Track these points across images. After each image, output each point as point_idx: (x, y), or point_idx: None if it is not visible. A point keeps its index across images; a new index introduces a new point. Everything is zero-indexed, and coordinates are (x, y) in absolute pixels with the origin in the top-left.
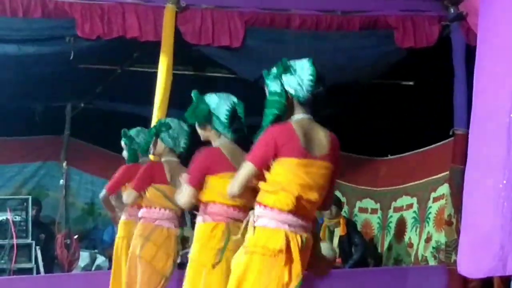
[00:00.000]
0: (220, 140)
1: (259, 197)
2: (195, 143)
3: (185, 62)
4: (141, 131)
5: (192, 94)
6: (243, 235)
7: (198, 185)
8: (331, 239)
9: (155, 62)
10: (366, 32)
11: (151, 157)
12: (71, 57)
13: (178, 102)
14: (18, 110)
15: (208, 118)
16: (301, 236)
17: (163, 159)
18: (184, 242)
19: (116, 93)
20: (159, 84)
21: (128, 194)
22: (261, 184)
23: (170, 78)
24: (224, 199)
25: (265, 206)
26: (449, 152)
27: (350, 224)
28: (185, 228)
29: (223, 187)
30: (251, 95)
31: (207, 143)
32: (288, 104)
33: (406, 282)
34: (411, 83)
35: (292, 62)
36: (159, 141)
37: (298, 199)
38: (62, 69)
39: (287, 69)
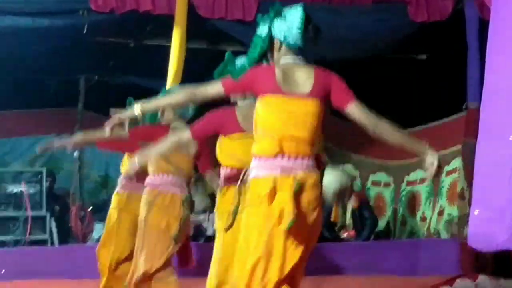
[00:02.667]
0: (238, 103)
1: (253, 148)
2: None
3: (198, 36)
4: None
5: (226, 54)
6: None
7: (201, 137)
8: (344, 213)
9: (168, 36)
10: (379, 6)
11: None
12: (85, 31)
13: (191, 76)
14: (32, 83)
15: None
16: (294, 177)
17: (172, 125)
18: (192, 207)
19: (129, 67)
20: (172, 57)
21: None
22: (254, 133)
23: (183, 51)
24: (235, 162)
25: (254, 156)
26: (462, 126)
27: (361, 197)
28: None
29: (233, 149)
30: None
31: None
32: (275, 49)
33: (419, 255)
34: (424, 57)
35: (285, 8)
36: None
37: (281, 140)
38: (76, 42)
39: (277, 14)
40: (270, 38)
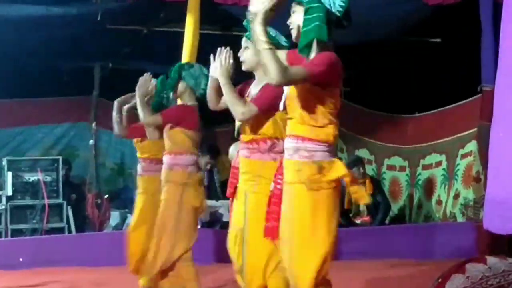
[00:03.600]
0: None
1: (307, 132)
2: None
3: (211, 22)
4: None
5: (245, 22)
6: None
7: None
8: None
9: (181, 22)
10: None
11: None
12: (99, 18)
13: (205, 61)
14: (47, 72)
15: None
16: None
17: (194, 104)
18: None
19: (144, 53)
20: (186, 43)
21: (153, 118)
22: (306, 118)
23: (197, 37)
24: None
25: (318, 141)
26: (477, 109)
27: (374, 182)
28: None
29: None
30: None
31: None
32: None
33: (435, 239)
34: (438, 40)
35: None
36: (181, 82)
37: (338, 128)
38: (90, 30)
39: None
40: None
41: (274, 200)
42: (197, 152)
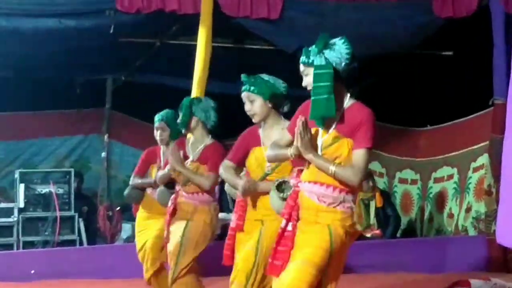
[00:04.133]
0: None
1: (349, 188)
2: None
3: (223, 35)
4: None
5: (243, 77)
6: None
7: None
8: (367, 213)
9: (194, 35)
10: (404, 2)
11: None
12: (111, 31)
13: (217, 74)
14: (60, 84)
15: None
16: None
17: (208, 140)
18: None
19: (156, 66)
20: (198, 56)
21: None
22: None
23: (209, 50)
24: None
25: (346, 192)
26: (488, 122)
27: (384, 195)
28: None
29: None
30: (290, 67)
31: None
32: (337, 79)
33: (447, 252)
34: (450, 53)
35: (329, 39)
36: (193, 117)
37: None
38: (102, 42)
39: (327, 44)
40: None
41: (285, 240)
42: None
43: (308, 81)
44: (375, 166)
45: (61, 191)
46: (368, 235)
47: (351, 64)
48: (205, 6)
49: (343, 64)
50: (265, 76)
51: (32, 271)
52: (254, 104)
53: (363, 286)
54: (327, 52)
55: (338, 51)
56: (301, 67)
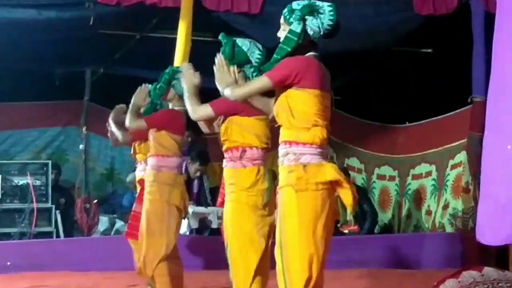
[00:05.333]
0: None
1: (294, 136)
2: None
3: (204, 28)
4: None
5: (220, 37)
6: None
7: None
8: (344, 208)
9: (174, 28)
10: None
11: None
12: (91, 23)
13: (197, 68)
14: (38, 75)
15: (245, 61)
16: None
17: (176, 108)
18: None
19: (136, 59)
20: (178, 50)
21: (136, 122)
22: (291, 121)
23: (189, 44)
24: (260, 143)
25: (304, 143)
26: (467, 120)
27: (360, 191)
28: None
29: (259, 130)
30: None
31: None
32: (303, 43)
33: (423, 249)
34: (430, 50)
35: (317, 3)
36: (171, 88)
37: (326, 131)
38: (82, 34)
39: (311, 11)
40: (304, 33)
41: None
42: (181, 155)
43: (281, 34)
44: (354, 162)
45: (38, 182)
46: (345, 231)
47: (329, 34)
48: (185, 0)
49: (320, 33)
50: (244, 43)
51: (8, 263)
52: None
53: (340, 282)
54: (309, 19)
55: (321, 20)
56: (281, 19)
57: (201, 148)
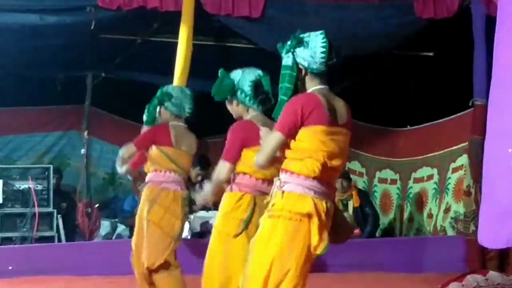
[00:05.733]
0: (249, 114)
1: (285, 164)
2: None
3: (205, 32)
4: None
5: (219, 72)
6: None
7: (235, 160)
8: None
9: (175, 32)
10: (385, 2)
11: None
12: (92, 27)
13: (198, 72)
14: (39, 80)
15: (233, 92)
16: (326, 203)
17: (170, 123)
18: (192, 204)
19: (137, 63)
20: (179, 54)
21: (127, 148)
22: (287, 152)
23: (190, 48)
24: (253, 171)
25: (291, 172)
26: (468, 123)
27: (362, 194)
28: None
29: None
30: (271, 66)
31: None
32: (302, 77)
33: (425, 252)
34: (431, 54)
35: (305, 35)
36: (163, 109)
37: (324, 165)
38: (83, 39)
39: (300, 42)
40: (297, 66)
41: None
42: (180, 170)
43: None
44: (355, 165)
45: (39, 187)
46: None
47: (328, 60)
48: (186, 4)
49: (317, 60)
50: (231, 75)
51: (10, 267)
52: (228, 106)
53: (341, 285)
54: (299, 50)
55: (312, 48)
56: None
57: (202, 152)
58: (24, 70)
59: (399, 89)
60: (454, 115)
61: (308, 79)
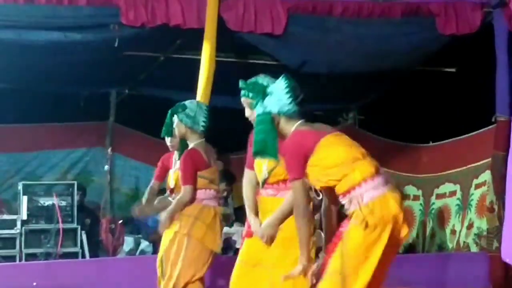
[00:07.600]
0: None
1: (347, 187)
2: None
3: (227, 49)
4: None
5: (239, 83)
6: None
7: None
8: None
9: (198, 49)
10: (408, 19)
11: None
12: (116, 44)
13: (221, 89)
14: (64, 97)
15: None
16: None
17: (193, 145)
18: (227, 219)
19: (160, 80)
20: (202, 71)
21: (187, 191)
22: (331, 182)
23: (213, 65)
24: None
25: (358, 185)
26: (491, 139)
27: None
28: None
29: None
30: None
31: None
32: (279, 121)
33: (447, 269)
34: (453, 69)
35: (268, 85)
36: (178, 122)
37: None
38: (107, 56)
39: (265, 93)
40: (270, 116)
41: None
42: (216, 187)
43: (247, 113)
44: None
45: (64, 203)
46: None
47: (295, 100)
48: (209, 21)
49: (285, 105)
50: (261, 79)
51: (34, 283)
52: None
53: None
54: (267, 99)
55: (277, 96)
56: (242, 99)
57: (226, 168)
58: (49, 86)
59: (422, 105)
60: (477, 131)
61: (284, 122)
